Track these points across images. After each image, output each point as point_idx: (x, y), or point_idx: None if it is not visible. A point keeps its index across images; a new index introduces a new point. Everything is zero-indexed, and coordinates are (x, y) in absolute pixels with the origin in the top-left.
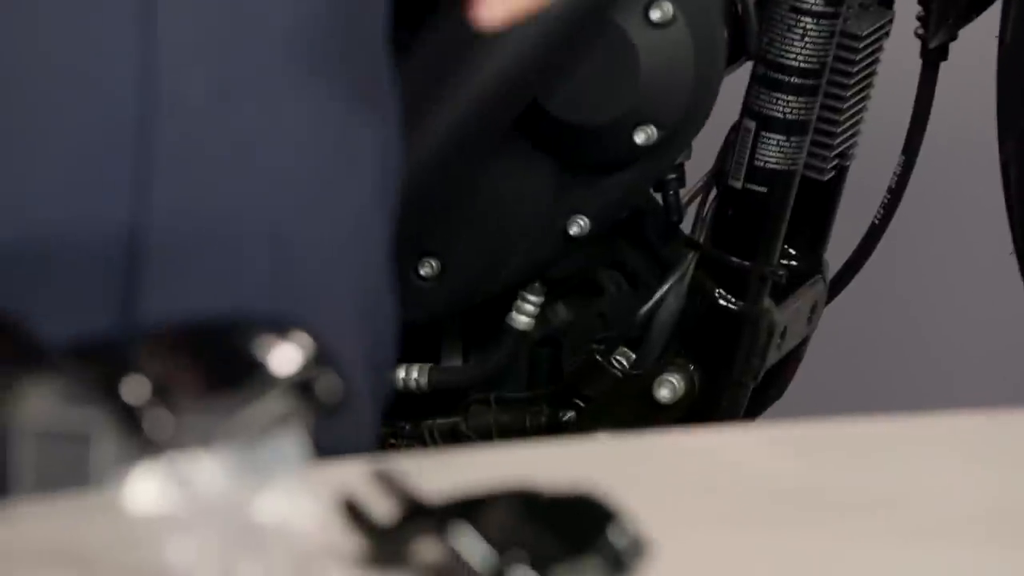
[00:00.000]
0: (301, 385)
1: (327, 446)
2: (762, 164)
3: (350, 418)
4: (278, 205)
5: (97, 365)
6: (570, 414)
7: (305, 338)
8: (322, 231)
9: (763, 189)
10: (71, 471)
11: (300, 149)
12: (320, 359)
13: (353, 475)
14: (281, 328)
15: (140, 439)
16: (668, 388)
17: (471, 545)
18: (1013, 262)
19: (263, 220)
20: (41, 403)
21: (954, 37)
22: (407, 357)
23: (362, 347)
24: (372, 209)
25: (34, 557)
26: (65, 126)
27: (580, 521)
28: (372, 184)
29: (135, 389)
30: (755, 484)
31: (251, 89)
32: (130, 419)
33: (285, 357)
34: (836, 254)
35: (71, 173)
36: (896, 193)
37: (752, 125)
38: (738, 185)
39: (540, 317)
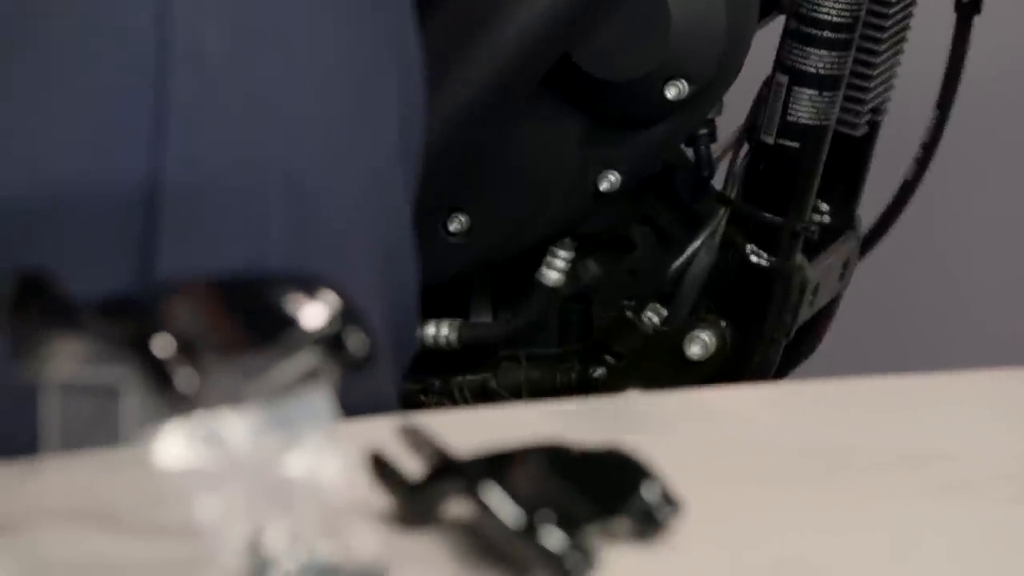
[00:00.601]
0: (329, 341)
1: (350, 403)
2: (794, 119)
3: (372, 374)
4: (297, 155)
5: (125, 321)
6: (600, 371)
7: (332, 294)
8: (342, 182)
9: (795, 144)
10: (99, 427)
11: (320, 98)
12: (347, 315)
13: (382, 432)
14: (308, 283)
15: (168, 395)
16: (699, 345)
17: (500, 503)
18: None
19: (282, 170)
20: (70, 359)
21: None
22: (436, 313)
23: (382, 301)
24: (393, 162)
25: (62, 514)
26: (81, 77)
27: (611, 479)
28: (393, 136)
29: (163, 345)
30: (785, 441)
31: (270, 37)
32: (158, 375)
33: (312, 313)
34: (869, 210)
35: (88, 125)
36: (929, 148)
37: (784, 80)
38: (770, 140)
39: (570, 273)
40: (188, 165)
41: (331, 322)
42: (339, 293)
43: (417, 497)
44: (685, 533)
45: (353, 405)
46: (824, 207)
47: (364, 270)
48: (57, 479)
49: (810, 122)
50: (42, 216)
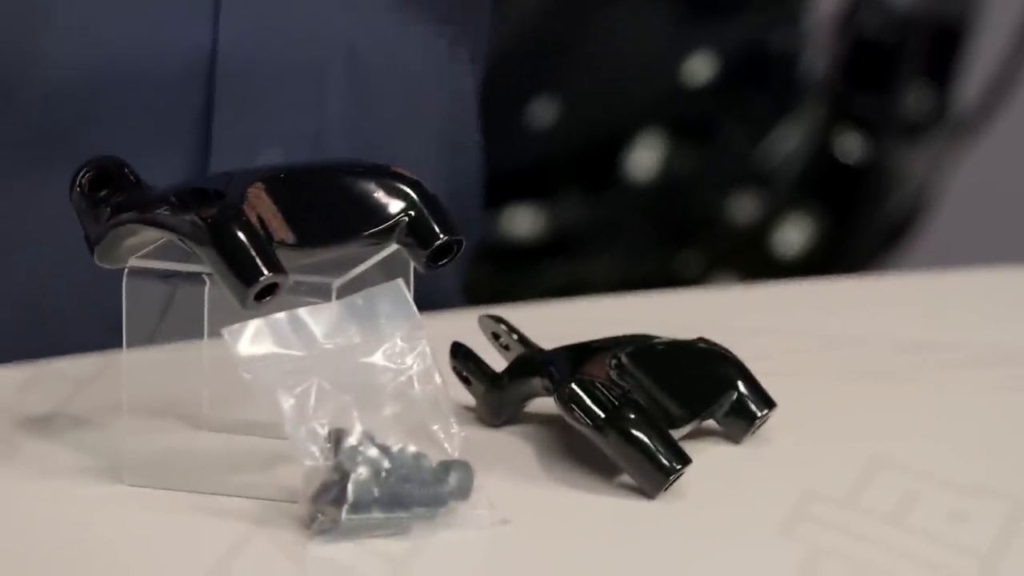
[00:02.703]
0: (406, 230)
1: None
2: (892, 6)
3: (447, 263)
4: (359, 30)
5: (203, 209)
6: (690, 261)
7: (411, 181)
8: (403, 60)
9: (893, 31)
10: (179, 318)
11: None
12: (425, 203)
13: (463, 324)
14: (385, 172)
15: (248, 286)
16: (790, 236)
17: (585, 399)
18: None
19: (344, 45)
20: (148, 248)
21: None
22: (523, 201)
23: (445, 186)
24: (455, 42)
25: (143, 408)
26: None
27: (701, 374)
28: (455, 17)
29: (242, 234)
30: (877, 336)
31: None
32: (238, 264)
33: (393, 201)
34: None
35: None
36: None
37: None
38: (868, 26)
39: (659, 162)
40: (250, 39)
41: (408, 211)
42: (416, 180)
43: (499, 391)
44: (776, 430)
45: (427, 296)
46: (922, 95)
47: (425, 156)
48: (138, 373)
49: (908, 8)
50: (106, 90)
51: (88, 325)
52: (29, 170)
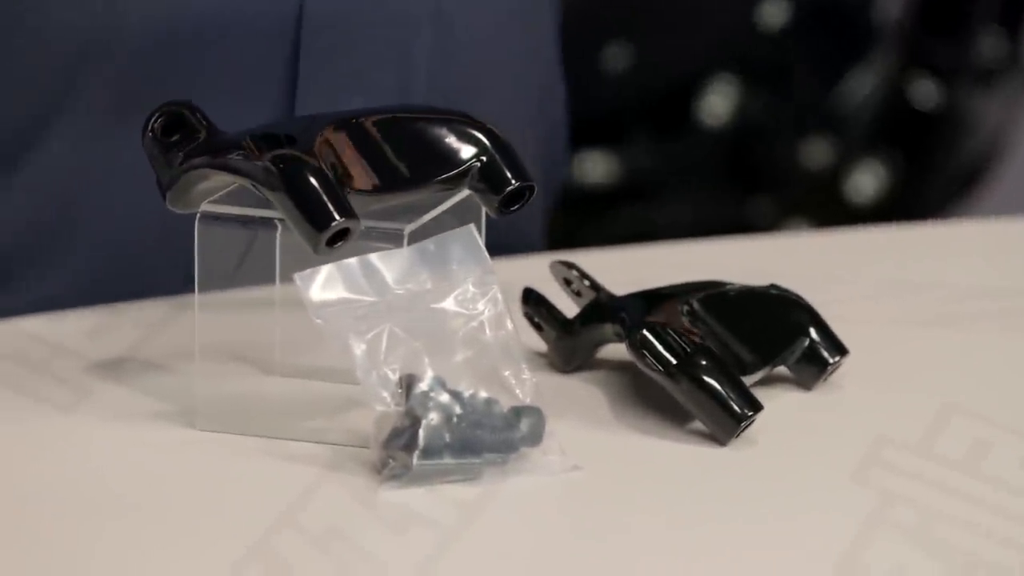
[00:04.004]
0: (478, 175)
1: (501, 239)
2: None
3: (525, 209)
4: None
5: (278, 155)
6: (762, 208)
7: (484, 127)
8: (488, 15)
9: None
10: (253, 263)
11: None
12: (497, 149)
13: (536, 269)
14: (457, 118)
15: (322, 231)
16: (863, 182)
17: (656, 345)
18: None
19: None
20: (224, 192)
21: None
22: (595, 146)
23: (534, 137)
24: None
25: (215, 353)
26: None
27: (773, 320)
28: None
29: (317, 180)
30: (949, 282)
31: None
32: (312, 209)
33: (465, 147)
34: None
35: None
36: None
37: None
38: None
39: (732, 108)
40: None
41: (482, 156)
42: (488, 126)
43: (571, 337)
44: (847, 376)
45: (504, 242)
46: (995, 41)
47: (511, 103)
48: (209, 318)
49: None
50: (194, 44)
51: (170, 273)
52: (119, 124)
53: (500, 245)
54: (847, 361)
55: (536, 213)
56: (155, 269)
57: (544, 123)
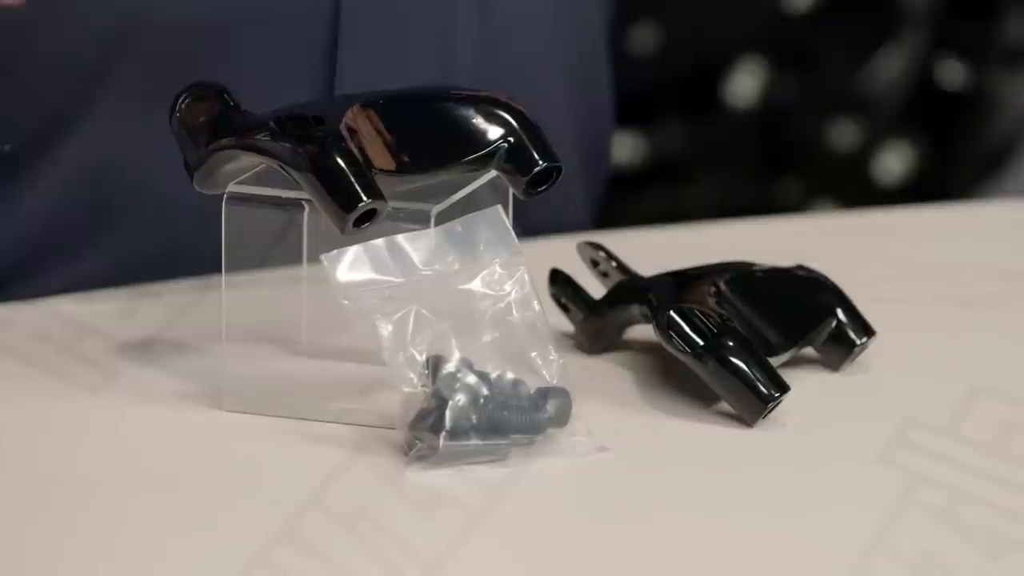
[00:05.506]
0: (505, 156)
1: (542, 221)
2: None
3: (564, 192)
4: None
5: (306, 135)
6: (790, 189)
7: (511, 108)
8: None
9: None
10: (279, 243)
11: None
12: (525, 130)
13: (564, 251)
14: (485, 99)
15: (349, 212)
16: (891, 163)
17: (684, 327)
18: None
19: None
20: (251, 172)
21: None
22: (623, 127)
23: (578, 123)
24: None
25: (242, 333)
26: None
27: (800, 301)
28: None
29: (345, 160)
30: (976, 263)
31: None
32: (344, 190)
33: (493, 128)
34: None
35: None
36: None
37: None
38: None
39: (760, 89)
40: None
41: (505, 136)
42: (515, 106)
43: (598, 318)
44: (875, 357)
45: (547, 222)
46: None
47: (554, 90)
48: (237, 298)
49: None
50: (233, 26)
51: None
52: (155, 107)
53: (540, 224)
54: (874, 342)
55: (580, 198)
56: (189, 252)
57: (589, 109)
